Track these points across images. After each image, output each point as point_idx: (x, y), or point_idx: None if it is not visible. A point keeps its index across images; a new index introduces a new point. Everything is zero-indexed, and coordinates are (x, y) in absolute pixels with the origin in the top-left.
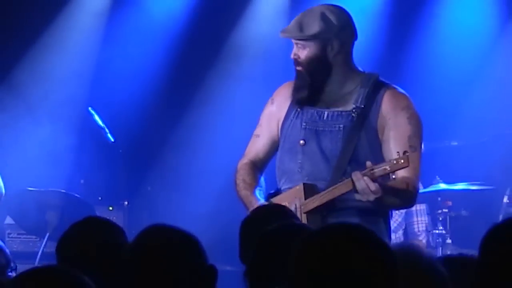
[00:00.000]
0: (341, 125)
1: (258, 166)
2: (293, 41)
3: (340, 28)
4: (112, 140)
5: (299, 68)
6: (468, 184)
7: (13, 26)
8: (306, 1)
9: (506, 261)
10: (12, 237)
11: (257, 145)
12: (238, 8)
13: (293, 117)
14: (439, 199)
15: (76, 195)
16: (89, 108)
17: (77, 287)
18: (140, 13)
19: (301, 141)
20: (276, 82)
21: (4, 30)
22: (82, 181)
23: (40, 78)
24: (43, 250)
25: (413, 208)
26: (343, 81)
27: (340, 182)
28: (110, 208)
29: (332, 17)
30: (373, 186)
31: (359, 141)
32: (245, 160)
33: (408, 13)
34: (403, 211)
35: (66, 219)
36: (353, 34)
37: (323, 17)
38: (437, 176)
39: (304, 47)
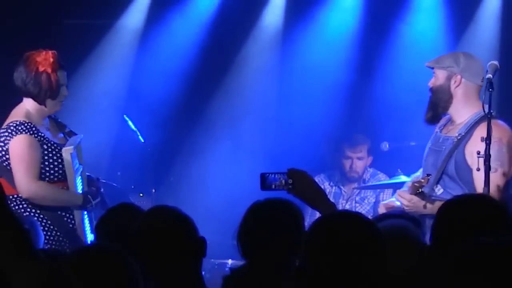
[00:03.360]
0: (444, 147)
1: None
2: (433, 71)
3: (466, 67)
4: (143, 140)
5: (430, 94)
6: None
7: (67, 49)
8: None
9: (455, 227)
10: None
11: None
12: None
13: (431, 139)
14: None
15: (114, 184)
16: (124, 116)
17: (120, 264)
18: (165, 32)
19: (425, 158)
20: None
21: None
22: (119, 173)
23: (85, 93)
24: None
25: (380, 198)
26: (459, 112)
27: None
28: (141, 195)
29: (462, 59)
30: (404, 197)
31: (450, 159)
32: None
33: (378, 30)
34: (372, 201)
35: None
36: (478, 78)
37: (456, 57)
38: (398, 169)
39: (436, 77)
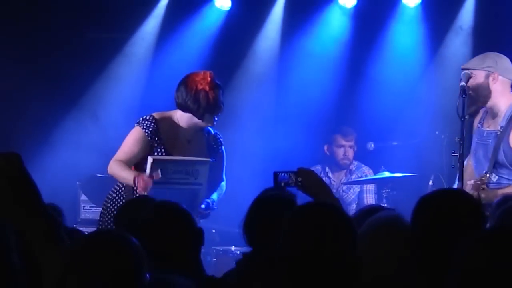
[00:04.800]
0: (490, 140)
1: None
2: (468, 71)
3: (501, 66)
4: None
5: (469, 92)
6: (404, 172)
7: (89, 61)
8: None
9: (430, 219)
10: (86, 209)
11: None
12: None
13: (475, 134)
14: (384, 183)
15: None
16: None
17: (126, 245)
18: (176, 45)
19: (474, 151)
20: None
21: (81, 66)
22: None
23: (104, 99)
24: None
25: (364, 188)
26: (497, 105)
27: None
28: None
29: (497, 58)
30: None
31: (498, 150)
32: None
33: (365, 43)
34: (357, 190)
35: None
36: (510, 73)
37: (490, 57)
38: (382, 167)
39: (474, 77)
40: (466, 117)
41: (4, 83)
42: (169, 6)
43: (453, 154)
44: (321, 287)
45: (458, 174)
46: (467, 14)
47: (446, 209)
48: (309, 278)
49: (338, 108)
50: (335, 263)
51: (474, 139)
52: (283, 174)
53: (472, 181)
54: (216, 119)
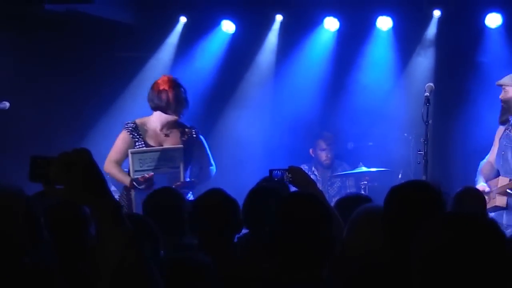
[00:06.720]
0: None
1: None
2: (502, 87)
3: None
4: None
5: (502, 104)
6: (378, 167)
7: (117, 76)
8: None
9: (399, 205)
10: None
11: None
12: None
13: (504, 139)
14: (362, 176)
15: None
16: None
17: (143, 224)
18: (188, 64)
19: (503, 152)
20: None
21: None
22: None
23: (128, 108)
24: None
25: (346, 184)
26: None
27: None
28: None
29: None
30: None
31: None
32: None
33: (346, 57)
34: (339, 185)
35: None
36: None
37: None
38: (360, 163)
39: (507, 91)
40: (429, 121)
41: (51, 89)
42: (184, 30)
43: (419, 153)
44: (303, 259)
45: (423, 171)
46: (430, 35)
47: (412, 196)
48: (293, 252)
49: (323, 113)
50: (312, 240)
51: (503, 143)
52: (276, 171)
53: (506, 179)
54: (182, 112)
